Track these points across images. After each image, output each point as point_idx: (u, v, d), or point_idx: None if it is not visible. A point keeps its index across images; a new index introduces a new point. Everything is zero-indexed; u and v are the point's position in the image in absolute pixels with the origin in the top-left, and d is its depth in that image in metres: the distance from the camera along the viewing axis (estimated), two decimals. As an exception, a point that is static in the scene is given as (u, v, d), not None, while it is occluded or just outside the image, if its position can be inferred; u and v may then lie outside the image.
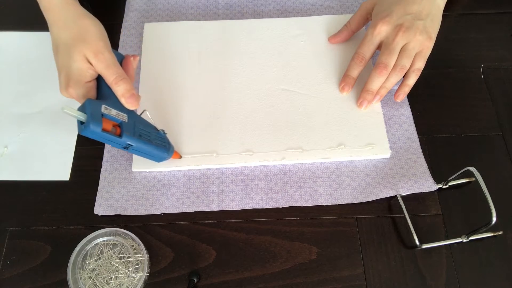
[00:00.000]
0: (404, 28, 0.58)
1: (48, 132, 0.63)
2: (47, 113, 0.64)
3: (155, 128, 0.56)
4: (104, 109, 0.50)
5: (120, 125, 0.51)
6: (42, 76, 0.67)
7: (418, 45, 0.58)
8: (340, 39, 0.67)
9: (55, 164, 0.61)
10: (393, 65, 0.59)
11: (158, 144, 0.54)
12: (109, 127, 0.50)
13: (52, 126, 0.63)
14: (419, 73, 0.60)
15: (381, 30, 0.59)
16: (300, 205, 0.57)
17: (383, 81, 0.60)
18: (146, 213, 0.57)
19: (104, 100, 0.52)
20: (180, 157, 0.59)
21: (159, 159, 0.56)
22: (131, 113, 0.54)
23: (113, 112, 0.51)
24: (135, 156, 0.60)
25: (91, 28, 0.53)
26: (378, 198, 0.57)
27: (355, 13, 0.65)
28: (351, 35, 0.67)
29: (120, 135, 0.51)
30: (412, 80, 0.60)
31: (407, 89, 0.61)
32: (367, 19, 0.65)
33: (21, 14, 0.73)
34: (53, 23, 0.55)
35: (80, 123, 0.49)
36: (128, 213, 0.57)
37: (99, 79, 0.54)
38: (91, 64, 0.52)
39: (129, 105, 0.53)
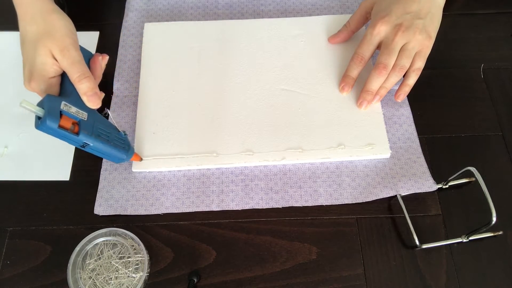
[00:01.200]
0: (403, 28, 0.58)
1: None
2: None
3: (116, 128, 0.55)
4: (64, 105, 0.50)
5: (78, 123, 0.51)
6: None
7: (418, 44, 0.58)
8: (340, 39, 0.67)
9: (55, 164, 0.61)
10: (392, 65, 0.59)
11: (117, 145, 0.54)
12: (67, 124, 0.50)
13: None
14: (419, 73, 0.60)
15: (380, 30, 0.59)
16: (300, 205, 0.57)
17: (383, 81, 0.60)
18: (146, 213, 0.57)
19: (66, 97, 0.51)
20: (141, 159, 0.59)
21: (117, 160, 0.56)
22: (92, 112, 0.53)
23: (73, 109, 0.51)
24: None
25: (59, 23, 0.53)
26: (378, 198, 0.57)
27: (355, 12, 0.65)
28: (350, 35, 0.67)
29: (77, 133, 0.50)
30: (412, 80, 0.60)
31: (407, 89, 0.61)
32: (366, 19, 0.65)
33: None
34: (22, 17, 0.54)
35: (38, 118, 0.49)
36: (128, 213, 0.57)
37: (64, 76, 0.54)
38: (56, 60, 0.52)
39: (90, 103, 0.53)
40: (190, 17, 0.72)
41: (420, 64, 0.59)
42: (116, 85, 0.66)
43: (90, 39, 0.70)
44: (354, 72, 0.62)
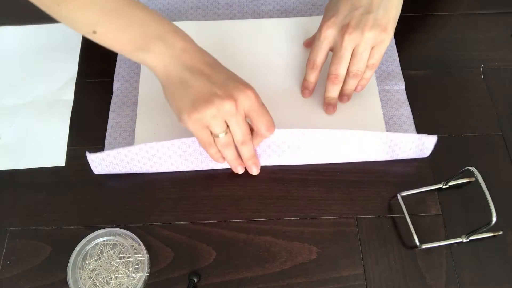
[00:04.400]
0: (350, 29, 0.54)
1: (41, 121, 0.64)
2: (38, 103, 0.65)
3: None
4: None
5: None
6: (31, 68, 0.68)
7: (370, 44, 0.55)
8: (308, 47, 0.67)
9: (50, 151, 0.61)
10: (345, 73, 0.57)
11: None
12: None
13: (44, 114, 0.64)
14: (375, 68, 0.59)
15: (327, 34, 0.56)
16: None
17: (340, 87, 0.59)
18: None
19: None
20: None
21: None
22: None
23: None
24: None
25: None
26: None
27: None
28: None
29: None
30: (368, 74, 0.59)
31: (364, 82, 0.60)
32: None
33: (8, 9, 0.74)
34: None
35: None
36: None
37: None
38: None
39: None
40: (190, 17, 0.72)
41: (375, 60, 0.57)
42: (116, 85, 0.66)
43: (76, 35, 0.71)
44: (311, 77, 0.61)
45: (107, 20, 0.50)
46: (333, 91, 0.60)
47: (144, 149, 0.57)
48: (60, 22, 0.53)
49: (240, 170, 0.58)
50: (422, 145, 0.58)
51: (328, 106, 0.61)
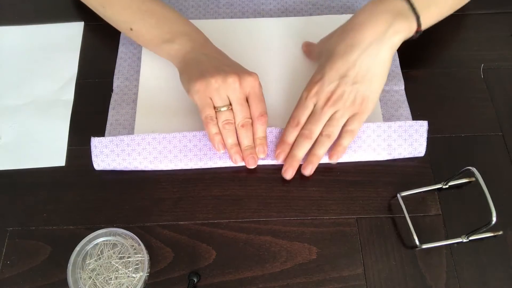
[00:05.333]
0: (335, 97, 0.56)
1: (41, 121, 0.64)
2: (38, 103, 0.65)
3: None
4: None
5: None
6: (31, 68, 0.68)
7: (349, 113, 0.57)
8: (304, 52, 0.68)
9: (50, 151, 0.61)
10: (319, 133, 0.57)
11: None
12: None
13: (44, 114, 0.64)
14: (353, 134, 0.57)
15: (313, 96, 0.57)
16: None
17: (309, 147, 0.58)
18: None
19: None
20: None
21: None
22: None
23: None
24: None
25: None
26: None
27: (313, 45, 0.66)
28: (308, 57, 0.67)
29: None
30: (345, 141, 0.57)
31: (340, 149, 0.58)
32: (314, 59, 0.65)
33: (8, 9, 0.74)
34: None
35: None
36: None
37: None
38: None
39: None
40: (191, 16, 0.72)
41: (354, 126, 0.57)
42: (116, 83, 0.66)
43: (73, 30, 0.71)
44: (290, 137, 0.58)
45: (142, 19, 0.62)
46: (302, 149, 0.57)
47: (146, 140, 0.59)
48: (105, 20, 0.66)
49: (238, 160, 0.58)
50: (415, 133, 0.59)
51: (288, 168, 0.58)
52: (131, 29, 0.63)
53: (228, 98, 0.57)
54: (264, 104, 0.58)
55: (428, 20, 0.59)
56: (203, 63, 0.58)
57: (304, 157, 0.58)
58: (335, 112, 0.57)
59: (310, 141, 0.57)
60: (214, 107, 0.57)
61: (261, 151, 0.58)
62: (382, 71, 0.57)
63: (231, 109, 0.57)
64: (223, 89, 0.56)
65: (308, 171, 0.58)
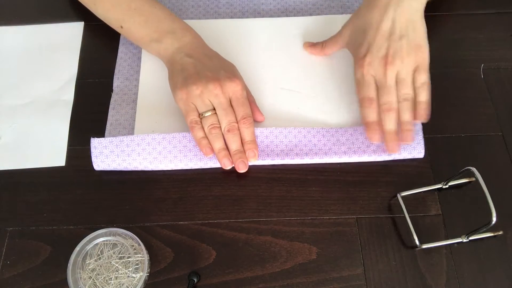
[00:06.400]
0: (389, 59, 0.56)
1: (41, 121, 0.64)
2: (38, 103, 0.65)
3: None
4: None
5: None
6: (31, 68, 0.68)
7: (411, 66, 0.56)
8: (313, 53, 0.67)
9: (50, 151, 0.61)
10: (397, 100, 0.57)
11: None
12: None
13: (44, 114, 0.64)
14: (426, 86, 0.57)
15: (369, 70, 0.57)
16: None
17: (396, 118, 0.57)
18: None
19: None
20: None
21: None
22: None
23: None
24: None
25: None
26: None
27: (332, 38, 0.65)
28: (321, 55, 0.66)
29: None
30: (423, 96, 0.57)
31: (423, 106, 0.57)
32: (342, 47, 0.64)
33: (8, 9, 0.74)
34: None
35: None
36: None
37: None
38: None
39: None
40: (191, 16, 0.72)
41: (423, 78, 0.57)
42: (116, 83, 0.66)
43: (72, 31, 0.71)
44: (372, 116, 0.58)
45: (131, 17, 0.63)
46: (391, 122, 0.57)
47: (146, 140, 0.59)
48: (98, 17, 0.67)
49: (227, 164, 0.58)
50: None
51: (392, 144, 0.57)
52: (122, 27, 0.64)
53: (212, 104, 0.58)
54: (247, 107, 0.59)
55: None
56: (186, 69, 0.59)
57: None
58: (398, 73, 0.56)
59: (394, 111, 0.57)
60: (199, 113, 0.58)
61: (251, 156, 0.58)
62: (420, 19, 0.58)
63: (216, 113, 0.58)
64: (205, 95, 0.57)
65: (410, 138, 0.57)
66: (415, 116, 0.58)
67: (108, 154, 0.58)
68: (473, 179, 0.58)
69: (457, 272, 0.54)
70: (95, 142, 0.59)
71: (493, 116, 0.63)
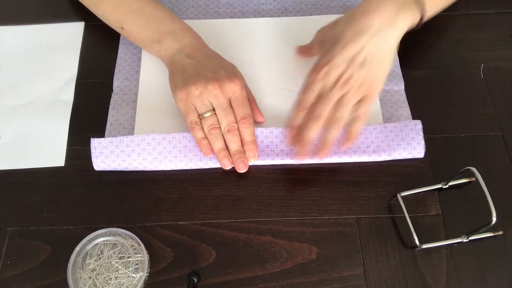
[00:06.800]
0: (343, 79, 0.55)
1: (40, 121, 0.64)
2: (38, 103, 0.65)
3: None
4: None
5: None
6: (31, 68, 0.68)
7: (358, 95, 0.56)
8: (301, 56, 0.66)
9: (49, 151, 0.61)
10: (328, 115, 0.56)
11: None
12: None
13: (44, 114, 0.64)
14: (364, 117, 0.57)
15: (320, 79, 0.56)
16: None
17: (318, 130, 0.56)
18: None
19: None
20: None
21: None
22: None
23: None
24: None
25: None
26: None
27: (311, 42, 0.64)
28: (309, 57, 0.65)
29: None
30: (358, 125, 0.57)
31: (353, 134, 0.57)
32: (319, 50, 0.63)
33: (8, 9, 0.74)
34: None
35: None
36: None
37: None
38: None
39: None
40: (191, 16, 0.72)
41: (364, 109, 0.56)
42: (116, 83, 0.66)
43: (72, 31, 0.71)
44: (298, 120, 0.57)
45: (132, 18, 0.64)
46: (313, 131, 0.56)
47: (146, 140, 0.59)
48: (98, 18, 0.67)
49: (227, 164, 0.58)
50: (411, 132, 0.59)
51: (300, 152, 0.57)
52: (122, 28, 0.65)
53: (212, 104, 0.58)
54: (246, 107, 0.59)
55: (432, 8, 0.59)
56: (186, 69, 0.59)
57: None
58: (343, 96, 0.56)
59: (319, 123, 0.56)
60: (199, 114, 0.58)
61: (251, 156, 0.59)
62: (389, 56, 0.57)
63: (215, 114, 0.58)
64: (205, 96, 0.57)
65: (321, 156, 0.57)
66: (343, 141, 0.57)
67: (108, 154, 0.58)
68: (473, 179, 0.58)
69: (457, 272, 0.54)
70: (95, 142, 0.59)
71: (493, 116, 0.63)
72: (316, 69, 0.57)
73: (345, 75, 0.55)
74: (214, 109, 0.58)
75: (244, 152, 0.59)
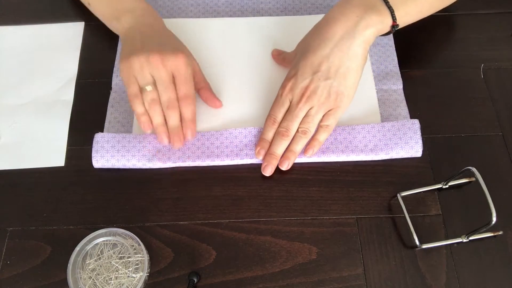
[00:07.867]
0: (308, 93, 0.56)
1: (40, 121, 0.64)
2: (38, 103, 0.65)
3: None
4: None
5: None
6: (31, 68, 0.68)
7: (324, 109, 0.57)
8: (275, 60, 0.67)
9: (49, 151, 0.61)
10: (296, 130, 0.57)
11: None
12: None
13: (44, 114, 0.64)
14: (329, 130, 0.58)
15: (288, 93, 0.57)
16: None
17: (287, 144, 0.58)
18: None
19: None
20: None
21: None
22: None
23: None
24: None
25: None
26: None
27: (288, 53, 0.65)
28: (284, 66, 0.66)
29: None
30: (321, 136, 0.58)
31: (316, 144, 0.58)
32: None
33: (8, 9, 0.74)
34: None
35: None
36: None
37: None
38: None
39: None
40: (190, 14, 0.72)
41: (329, 122, 0.57)
42: (115, 81, 0.66)
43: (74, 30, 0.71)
44: (269, 135, 0.59)
45: None
46: (280, 146, 0.58)
47: (147, 138, 0.60)
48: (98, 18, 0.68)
49: (164, 139, 0.58)
50: (409, 131, 0.60)
51: (267, 166, 0.58)
52: (89, 4, 0.67)
53: (153, 78, 0.57)
54: (189, 86, 0.58)
55: (406, 16, 0.58)
56: (135, 43, 0.59)
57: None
58: (310, 108, 0.57)
59: (287, 138, 0.57)
60: (140, 87, 0.57)
61: (188, 134, 0.59)
62: (356, 66, 0.56)
63: (157, 89, 0.57)
64: (146, 68, 0.56)
65: (285, 166, 0.58)
66: (305, 149, 0.59)
67: (109, 149, 0.59)
68: (473, 179, 0.58)
69: (457, 272, 0.54)
70: (98, 137, 0.60)
71: (493, 116, 0.63)
72: (283, 83, 0.58)
73: (310, 88, 0.56)
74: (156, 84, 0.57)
75: (181, 128, 0.58)
